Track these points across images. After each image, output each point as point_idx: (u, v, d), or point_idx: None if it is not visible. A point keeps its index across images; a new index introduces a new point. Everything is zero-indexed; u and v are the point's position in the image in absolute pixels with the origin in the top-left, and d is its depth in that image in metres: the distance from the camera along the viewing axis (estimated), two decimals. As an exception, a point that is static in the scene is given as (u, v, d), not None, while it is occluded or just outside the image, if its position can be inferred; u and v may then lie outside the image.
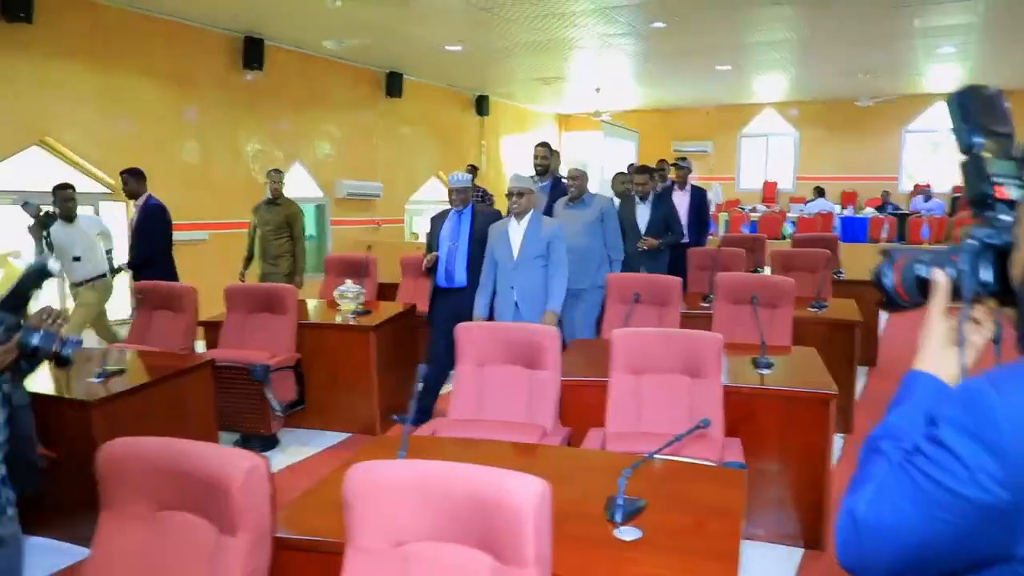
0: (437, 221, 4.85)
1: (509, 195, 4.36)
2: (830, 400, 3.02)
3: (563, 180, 6.06)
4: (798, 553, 3.21)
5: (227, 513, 1.62)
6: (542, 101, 14.32)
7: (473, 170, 9.35)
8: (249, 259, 6.74)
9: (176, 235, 8.01)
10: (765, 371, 3.36)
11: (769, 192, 14.60)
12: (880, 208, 12.86)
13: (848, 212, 13.06)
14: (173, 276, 6.06)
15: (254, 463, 1.65)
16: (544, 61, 10.42)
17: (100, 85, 7.36)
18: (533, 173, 5.89)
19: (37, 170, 7.14)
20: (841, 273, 6.74)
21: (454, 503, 1.52)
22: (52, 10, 6.75)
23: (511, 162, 13.84)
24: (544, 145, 5.92)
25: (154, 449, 1.76)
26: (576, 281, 4.84)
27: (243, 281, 6.52)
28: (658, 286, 4.48)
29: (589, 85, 12.39)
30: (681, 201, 6.67)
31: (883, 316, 7.07)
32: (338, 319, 5.04)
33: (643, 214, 5.84)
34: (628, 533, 1.86)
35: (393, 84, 10.87)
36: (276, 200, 6.58)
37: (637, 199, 5.86)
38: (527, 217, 4.28)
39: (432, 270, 4.74)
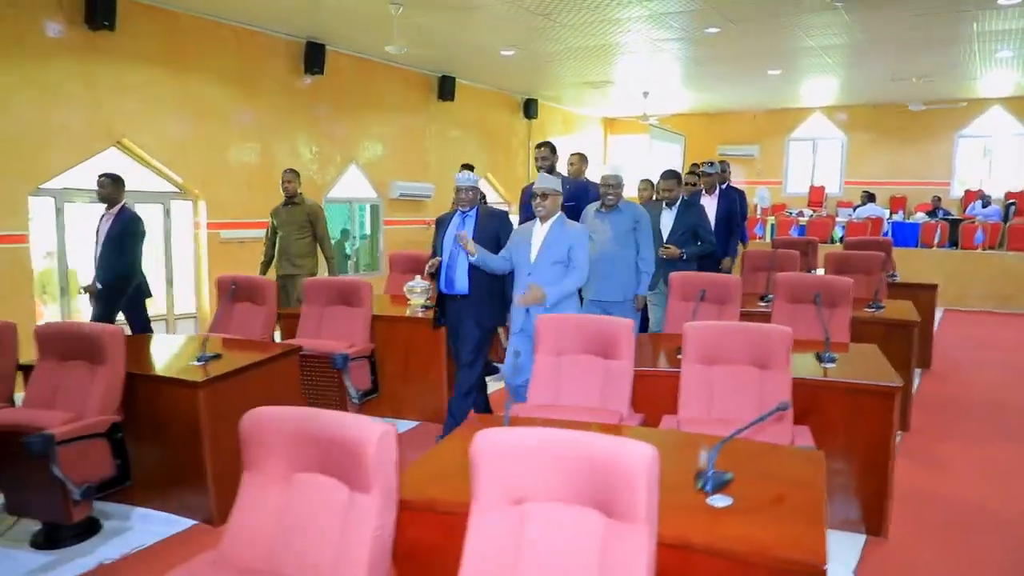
0: (442, 223, 4.66)
1: (533, 197, 4.24)
2: (895, 393, 3.13)
3: (584, 185, 6.08)
4: (860, 539, 3.33)
5: (361, 474, 1.77)
6: (589, 104, 14.47)
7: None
8: (268, 262, 6.73)
9: (241, 233, 8.43)
10: (829, 365, 3.48)
11: (816, 196, 14.54)
12: (931, 214, 12.73)
13: (898, 217, 12.95)
14: (142, 300, 5.87)
15: (386, 429, 1.79)
16: (593, 65, 10.58)
17: (173, 89, 7.71)
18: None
19: (116, 170, 7.52)
20: (895, 276, 6.77)
21: (571, 464, 1.64)
22: (132, 18, 7.12)
23: (558, 165, 13.99)
24: (545, 145, 5.66)
25: (294, 416, 1.93)
26: (605, 293, 4.80)
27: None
28: (718, 285, 4.60)
29: (637, 89, 12.50)
30: (708, 208, 6.27)
31: (938, 319, 7.09)
32: (407, 312, 5.26)
33: (667, 221, 5.57)
34: (720, 500, 2.00)
35: (445, 87, 11.12)
36: (293, 200, 6.57)
37: (664, 205, 5.61)
38: (551, 221, 4.12)
39: (437, 275, 4.59)
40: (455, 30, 8.41)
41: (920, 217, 12.60)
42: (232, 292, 5.04)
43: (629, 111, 14.80)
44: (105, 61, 7.07)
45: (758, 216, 12.84)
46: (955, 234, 11.59)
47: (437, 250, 4.56)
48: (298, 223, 6.51)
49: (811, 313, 4.22)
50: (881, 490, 3.21)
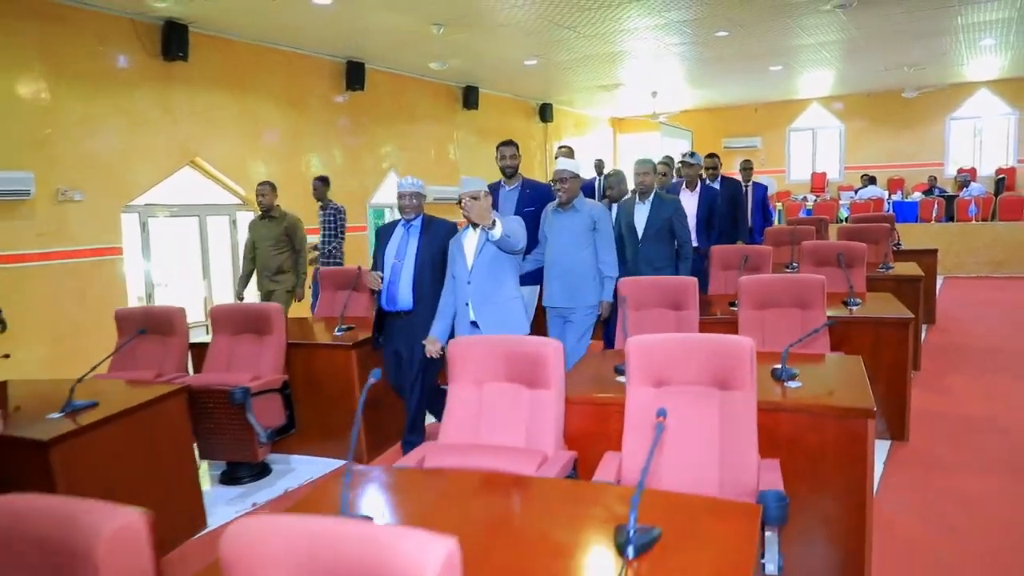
0: (383, 234, 4.27)
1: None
2: (909, 323, 3.97)
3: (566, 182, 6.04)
4: (887, 444, 4.12)
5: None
6: (599, 106, 15.29)
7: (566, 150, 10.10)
8: (247, 277, 6.56)
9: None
10: (855, 307, 4.32)
11: (818, 182, 15.35)
12: (927, 192, 13.55)
13: (897, 197, 13.77)
14: None
15: (127, 519, 1.41)
16: (606, 70, 11.39)
17: (237, 110, 8.52)
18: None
19: (189, 187, 8.33)
20: (900, 244, 7.59)
21: (341, 573, 1.27)
22: (202, 49, 7.92)
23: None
24: (509, 144, 5.15)
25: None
26: (561, 299, 4.41)
27: (241, 300, 6.45)
28: (755, 256, 5.39)
29: (645, 89, 13.31)
30: (688, 203, 5.82)
31: (939, 285, 7.91)
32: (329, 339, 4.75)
33: (641, 216, 5.03)
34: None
35: (470, 97, 11.94)
36: (270, 213, 6.35)
37: (636, 197, 5.09)
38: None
39: (376, 291, 4.22)
40: (485, 44, 9.22)
41: (918, 196, 13.41)
42: (141, 331, 4.46)
43: (637, 110, 15.62)
44: (179, 88, 7.87)
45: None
46: (951, 209, 12.43)
47: (378, 264, 4.18)
48: (274, 237, 6.32)
49: (833, 273, 5.01)
50: (901, 403, 4.01)
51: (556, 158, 6.19)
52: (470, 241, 3.82)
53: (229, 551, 1.33)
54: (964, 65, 12.30)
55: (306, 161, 9.44)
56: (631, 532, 1.68)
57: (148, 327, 4.50)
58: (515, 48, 9.55)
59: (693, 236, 5.65)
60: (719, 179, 6.69)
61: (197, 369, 4.87)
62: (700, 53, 10.41)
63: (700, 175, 6.33)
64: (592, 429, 2.91)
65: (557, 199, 4.47)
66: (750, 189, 7.65)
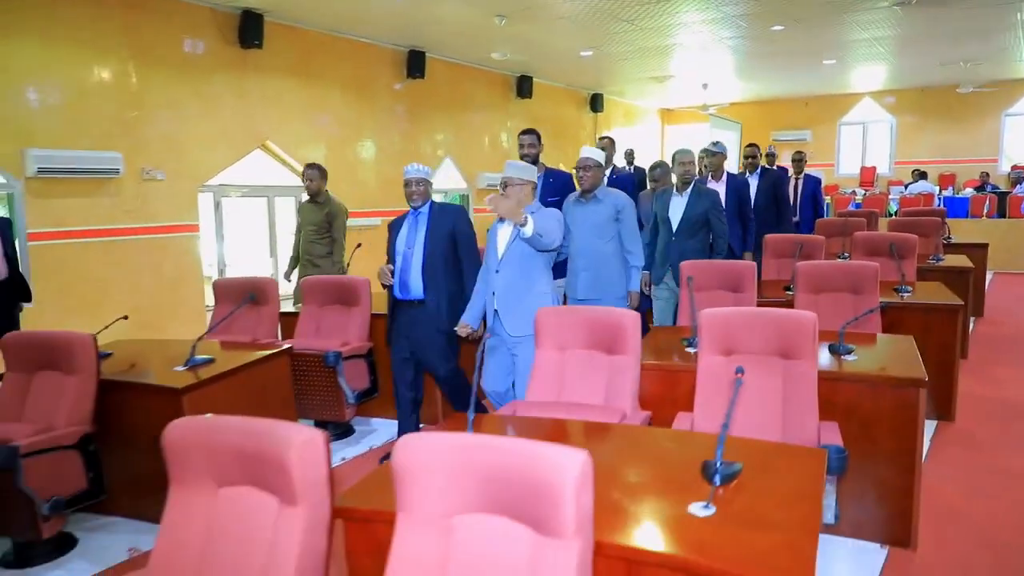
0: (393, 227, 4.23)
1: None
2: (959, 309, 4.18)
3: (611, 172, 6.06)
4: (933, 424, 4.33)
5: (286, 484, 1.66)
6: (648, 97, 15.44)
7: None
8: (296, 259, 6.55)
9: (357, 222, 9.61)
10: (906, 294, 4.52)
11: (867, 176, 15.32)
12: (979, 188, 13.46)
13: (947, 193, 13.71)
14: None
15: (309, 435, 1.68)
16: (659, 62, 11.56)
17: (305, 96, 8.92)
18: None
19: (259, 168, 8.77)
20: (951, 238, 7.69)
21: (494, 475, 1.52)
22: (276, 37, 8.32)
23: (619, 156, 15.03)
24: (529, 132, 5.01)
25: (212, 427, 1.81)
26: (585, 290, 4.37)
27: (288, 280, 6.53)
28: (808, 245, 5.59)
29: (695, 81, 13.44)
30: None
31: (988, 279, 7.99)
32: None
33: (677, 208, 4.96)
34: (702, 511, 1.83)
35: (523, 86, 12.22)
36: (316, 198, 6.31)
37: (673, 189, 5.05)
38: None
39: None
40: (544, 35, 9.48)
41: (969, 192, 13.34)
42: (251, 297, 4.83)
43: (686, 102, 15.73)
44: (253, 75, 8.29)
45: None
46: (1003, 205, 12.35)
47: (390, 255, 4.17)
48: (316, 223, 6.28)
49: (885, 263, 5.19)
50: (949, 385, 4.23)
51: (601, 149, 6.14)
52: (504, 231, 3.77)
53: (402, 458, 1.58)
54: (1022, 61, 12.20)
55: (367, 146, 9.82)
56: (718, 464, 1.95)
57: (246, 296, 4.85)
58: (572, 39, 9.79)
59: None
60: (759, 170, 6.69)
61: (285, 336, 5.23)
62: (753, 47, 10.53)
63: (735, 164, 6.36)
64: (664, 394, 3.17)
65: (579, 187, 4.42)
66: (801, 181, 7.77)
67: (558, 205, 4.60)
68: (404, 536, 1.58)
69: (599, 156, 4.37)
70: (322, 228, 6.28)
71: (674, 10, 8.34)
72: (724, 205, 5.46)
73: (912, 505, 2.84)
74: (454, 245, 4.01)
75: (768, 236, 5.84)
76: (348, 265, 6.54)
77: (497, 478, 1.52)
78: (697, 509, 1.82)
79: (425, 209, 4.07)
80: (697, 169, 4.90)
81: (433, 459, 1.57)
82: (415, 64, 10.13)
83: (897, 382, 2.84)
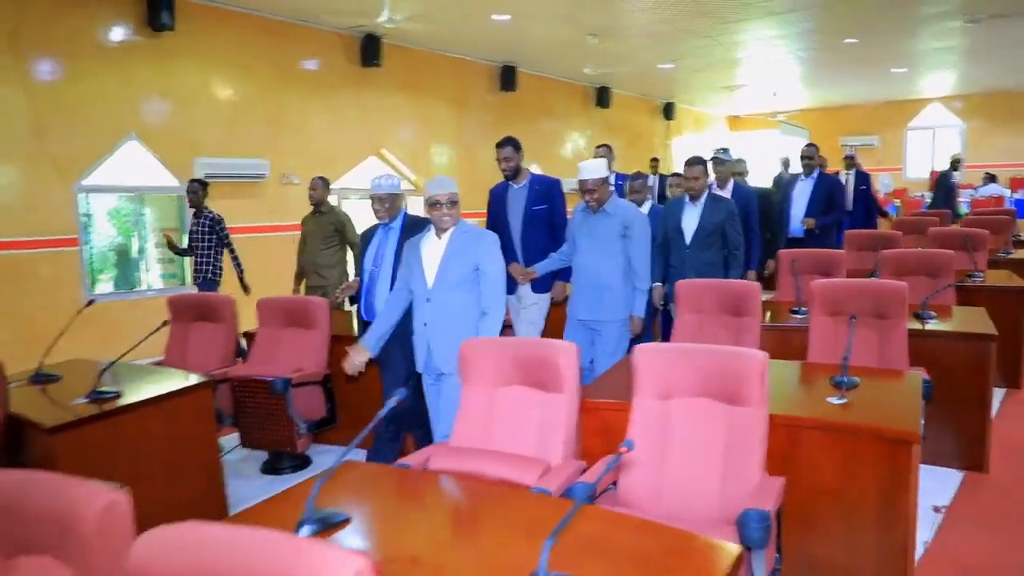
0: (364, 240, 3.89)
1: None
2: (1024, 290, 4.83)
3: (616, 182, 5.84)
4: (1002, 391, 4.98)
5: (83, 555, 1.48)
6: (717, 104, 16.10)
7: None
8: (301, 273, 6.46)
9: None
10: (978, 279, 5.20)
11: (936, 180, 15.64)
12: (1050, 192, 13.75)
13: (1018, 195, 14.02)
14: None
15: (111, 498, 1.47)
16: (732, 72, 12.25)
17: (414, 109, 9.93)
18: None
19: (373, 174, 9.78)
20: (1020, 236, 8.24)
21: None
22: (392, 57, 9.33)
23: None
24: (504, 144, 4.58)
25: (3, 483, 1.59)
26: (587, 311, 4.08)
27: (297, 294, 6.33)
28: (890, 240, 6.23)
29: (765, 90, 14.06)
30: None
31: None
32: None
33: (691, 219, 4.67)
34: None
35: (603, 97, 13.04)
36: (320, 208, 6.24)
37: (687, 199, 4.72)
38: (448, 231, 3.32)
39: (356, 299, 3.96)
40: (629, 51, 10.30)
41: (1039, 194, 13.65)
42: (164, 323, 4.27)
43: (754, 109, 16.33)
44: (372, 90, 9.32)
45: (883, 197, 14.15)
46: (1074, 209, 12.64)
47: (361, 270, 3.90)
48: (323, 233, 6.20)
49: (959, 256, 5.84)
50: (1017, 356, 4.88)
51: (597, 156, 6.12)
52: (432, 248, 3.31)
53: (137, 559, 1.28)
54: (1093, 66, 12.49)
55: (466, 152, 10.78)
56: None
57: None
58: (654, 54, 10.58)
59: None
60: (815, 173, 6.54)
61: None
62: (824, 57, 11.15)
63: (738, 172, 5.98)
64: (616, 436, 2.69)
65: (590, 207, 4.08)
66: (851, 178, 8.30)
67: (547, 214, 4.52)
68: None
69: (600, 171, 4.01)
70: (329, 238, 6.21)
71: (752, 27, 9.05)
72: None
73: (985, 436, 3.55)
74: None
75: (848, 233, 6.49)
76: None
77: None
78: None
79: (396, 225, 3.71)
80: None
81: (174, 562, 1.27)
82: (507, 78, 11.06)
83: (973, 336, 3.57)
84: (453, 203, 3.25)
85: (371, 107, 9.36)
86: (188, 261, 7.52)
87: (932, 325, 3.82)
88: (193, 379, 3.55)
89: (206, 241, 6.41)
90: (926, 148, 16.24)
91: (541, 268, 4.32)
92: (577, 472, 2.49)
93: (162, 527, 1.31)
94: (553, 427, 2.61)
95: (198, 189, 6.43)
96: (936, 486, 3.55)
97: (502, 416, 2.72)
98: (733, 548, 1.71)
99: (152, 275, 8.22)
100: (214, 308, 4.62)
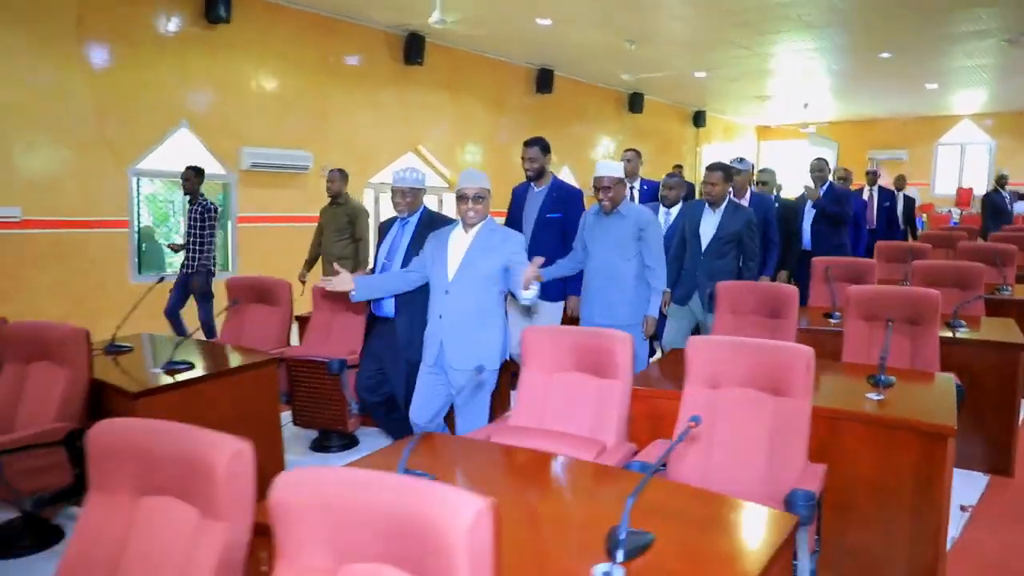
0: (382, 231, 3.88)
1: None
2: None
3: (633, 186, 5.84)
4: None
5: (210, 497, 1.60)
6: (747, 114, 16.21)
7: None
8: (312, 261, 6.55)
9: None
10: (1005, 293, 5.32)
11: (964, 197, 15.67)
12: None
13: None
14: None
15: (239, 448, 1.60)
16: (764, 83, 12.38)
17: (452, 108, 10.16)
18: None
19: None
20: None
21: (382, 520, 1.35)
22: (435, 55, 9.55)
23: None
24: (532, 144, 4.56)
25: (141, 430, 1.75)
26: (600, 315, 4.03)
27: (303, 283, 6.30)
28: (916, 251, 6.38)
29: (796, 101, 14.16)
30: None
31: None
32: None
33: (709, 225, 4.58)
34: (612, 573, 1.60)
35: (635, 103, 13.22)
36: (337, 200, 6.34)
37: (706, 204, 4.61)
38: (477, 226, 3.31)
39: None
40: (665, 58, 10.47)
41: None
42: (234, 302, 4.74)
43: (784, 119, 16.43)
44: (413, 88, 9.55)
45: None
46: (1103, 229, 12.65)
47: (377, 262, 3.87)
48: (338, 224, 6.30)
49: (988, 270, 5.97)
50: None
51: (627, 161, 6.16)
52: (458, 242, 3.29)
53: (280, 496, 1.39)
54: None
55: (499, 152, 10.99)
56: (621, 535, 1.63)
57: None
58: (689, 62, 10.74)
59: None
60: (825, 186, 6.51)
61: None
62: (858, 71, 11.25)
63: (752, 181, 5.87)
64: (664, 422, 2.86)
65: (601, 207, 4.06)
66: (875, 193, 8.54)
67: (560, 223, 4.47)
68: None
69: (617, 170, 4.03)
70: (343, 229, 6.31)
71: (788, 38, 9.19)
72: None
73: (1012, 440, 3.70)
74: None
75: (879, 244, 6.64)
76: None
77: (387, 523, 1.33)
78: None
79: (413, 220, 3.71)
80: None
81: (315, 498, 1.39)
82: (544, 81, 11.26)
83: (1002, 345, 3.73)
84: (480, 198, 3.22)
85: (411, 104, 9.59)
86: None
87: (962, 334, 3.97)
88: (260, 356, 3.77)
89: (198, 229, 6.30)
90: (954, 164, 16.26)
91: (547, 274, 4.11)
92: (630, 453, 2.64)
93: (297, 469, 1.43)
94: (607, 411, 2.76)
95: (191, 176, 6.33)
96: (963, 487, 3.68)
97: (559, 399, 2.87)
98: (791, 516, 1.91)
99: (177, 258, 8.46)
100: (271, 291, 4.81)
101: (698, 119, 15.19)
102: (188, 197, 6.43)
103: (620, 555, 1.60)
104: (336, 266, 3.44)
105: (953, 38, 9.07)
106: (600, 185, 3.98)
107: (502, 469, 2.40)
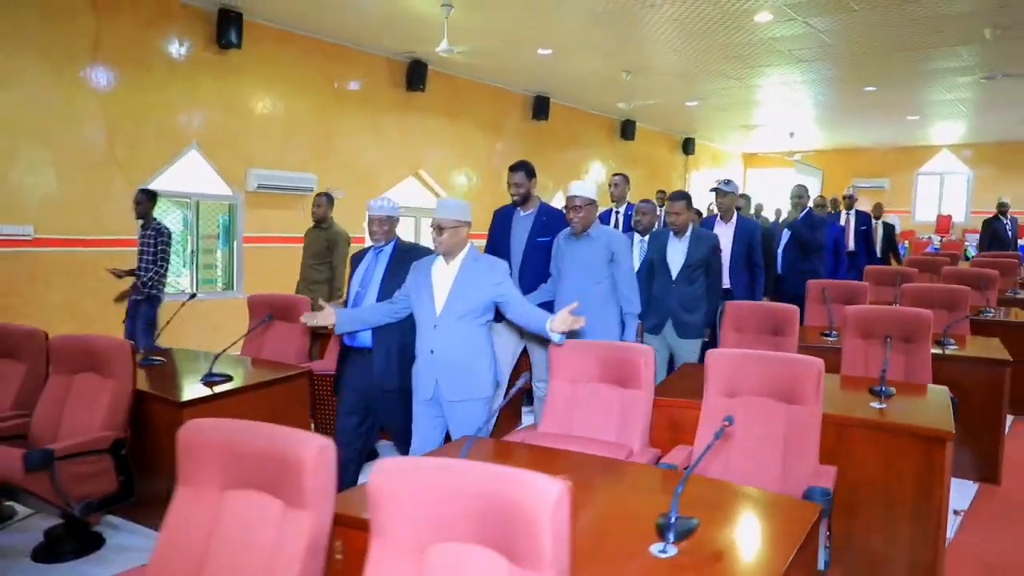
0: (355, 261, 3.85)
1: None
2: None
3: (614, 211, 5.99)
4: None
5: (297, 489, 1.71)
6: (734, 142, 16.64)
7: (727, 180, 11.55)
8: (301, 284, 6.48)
9: (479, 243, 11.01)
10: (988, 315, 5.60)
11: (944, 224, 16.14)
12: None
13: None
14: None
15: (324, 443, 1.73)
16: (752, 112, 12.77)
17: (451, 133, 10.42)
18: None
19: (410, 193, 10.24)
20: (1025, 278, 8.68)
21: (471, 501, 1.49)
22: (436, 82, 9.82)
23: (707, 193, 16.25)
24: (517, 169, 4.48)
25: (230, 429, 1.87)
26: (577, 338, 3.92)
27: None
28: (905, 275, 6.67)
29: (782, 130, 14.59)
30: (724, 237, 5.33)
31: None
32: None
33: (676, 253, 4.60)
34: (667, 550, 1.81)
35: (627, 130, 13.56)
36: (321, 224, 6.32)
37: (671, 233, 4.62)
38: (459, 256, 3.27)
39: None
40: (658, 87, 10.81)
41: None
42: (268, 318, 4.66)
43: (770, 147, 16.87)
44: (414, 114, 9.81)
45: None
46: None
47: (350, 292, 3.84)
48: (316, 249, 6.28)
49: (973, 293, 6.26)
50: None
51: (615, 185, 6.31)
52: (441, 274, 3.25)
53: (378, 481, 1.55)
54: (1099, 122, 13.03)
55: (496, 176, 11.23)
56: (672, 518, 1.86)
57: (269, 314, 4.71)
58: (682, 91, 11.09)
59: (725, 276, 5.22)
60: (804, 212, 6.63)
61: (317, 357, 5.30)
62: (843, 102, 11.66)
63: (738, 206, 5.80)
64: (683, 430, 3.14)
65: (571, 228, 4.07)
66: (851, 217, 8.79)
67: (547, 246, 4.39)
68: (377, 563, 1.57)
69: (590, 192, 4.04)
70: (321, 254, 6.23)
71: (778, 71, 9.56)
72: (732, 250, 5.31)
73: (999, 450, 3.93)
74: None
75: (868, 268, 6.92)
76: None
77: (475, 504, 1.47)
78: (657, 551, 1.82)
79: (387, 248, 3.70)
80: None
81: (409, 484, 1.55)
82: (540, 107, 11.57)
83: (988, 361, 3.99)
84: (441, 229, 3.16)
85: (412, 129, 9.84)
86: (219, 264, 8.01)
87: (952, 351, 4.22)
88: (293, 370, 4.00)
89: (150, 255, 5.99)
90: (934, 192, 16.76)
91: (532, 301, 3.95)
92: (655, 458, 2.87)
93: (388, 458, 1.61)
94: (632, 419, 2.99)
95: (143, 199, 6.04)
96: (955, 493, 3.87)
97: (585, 409, 3.10)
98: (816, 506, 2.13)
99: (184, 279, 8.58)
100: (291, 308, 4.97)
101: (687, 146, 15.57)
102: (141, 221, 6.12)
103: (672, 535, 1.82)
104: (321, 301, 3.54)
105: (935, 74, 9.48)
106: (571, 204, 3.99)
107: (547, 468, 2.52)
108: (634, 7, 7.15)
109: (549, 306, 4.33)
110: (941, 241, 14.57)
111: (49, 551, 3.41)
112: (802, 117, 13.22)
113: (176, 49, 7.47)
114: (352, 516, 2.01)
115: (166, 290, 6.21)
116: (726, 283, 5.21)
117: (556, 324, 3.02)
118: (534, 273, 4.35)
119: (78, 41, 6.75)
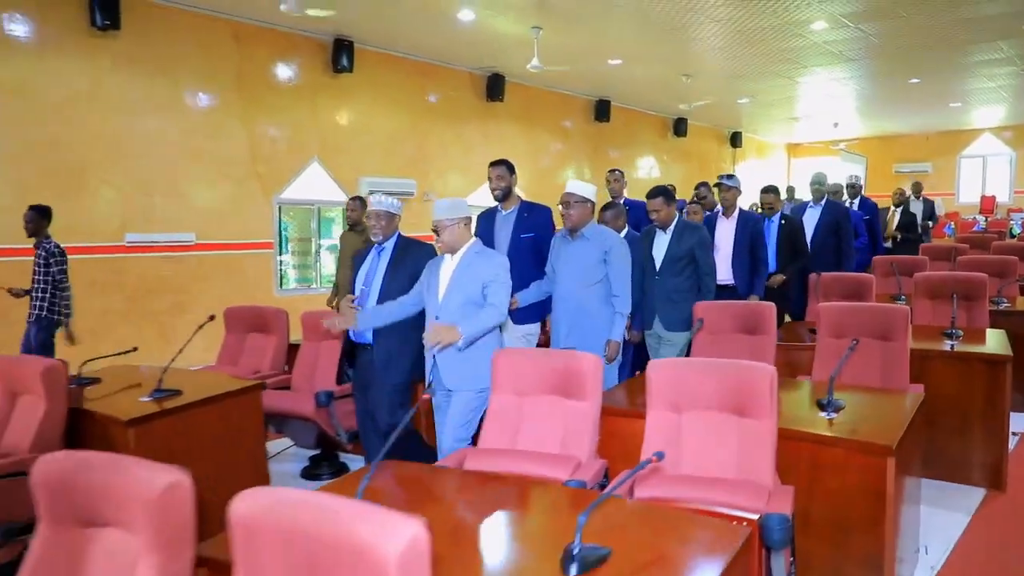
0: (357, 260, 3.93)
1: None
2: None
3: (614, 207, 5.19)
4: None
5: (148, 527, 1.60)
6: (779, 133, 17.39)
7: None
8: (338, 287, 6.69)
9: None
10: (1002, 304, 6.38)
11: (987, 204, 16.69)
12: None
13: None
14: None
15: (176, 478, 1.61)
16: (799, 106, 13.56)
17: (525, 138, 11.45)
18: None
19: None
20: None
21: (318, 540, 1.37)
22: (512, 92, 10.84)
23: (756, 184, 17.02)
24: (498, 164, 4.50)
25: (75, 464, 1.73)
26: (572, 341, 3.96)
27: (333, 309, 6.24)
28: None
29: (826, 121, 15.32)
30: (724, 231, 5.37)
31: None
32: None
33: (660, 244, 4.60)
34: None
35: (680, 127, 14.45)
36: (356, 227, 6.43)
37: (656, 228, 4.63)
38: (463, 251, 3.38)
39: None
40: (714, 88, 11.67)
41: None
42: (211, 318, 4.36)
43: (814, 137, 17.59)
44: (494, 122, 10.85)
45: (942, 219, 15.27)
46: (1121, 231, 13.67)
47: (345, 288, 3.89)
48: (356, 250, 6.27)
49: (1020, 263, 7.03)
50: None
51: (614, 180, 6.31)
52: (446, 268, 3.39)
53: (239, 511, 1.47)
54: None
55: (564, 176, 12.22)
56: (575, 549, 1.74)
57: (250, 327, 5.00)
58: (735, 90, 11.95)
59: (727, 270, 5.24)
60: (823, 201, 6.50)
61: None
62: (888, 94, 12.41)
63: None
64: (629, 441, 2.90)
65: (564, 225, 4.07)
66: (856, 205, 8.21)
67: (534, 243, 4.39)
68: None
69: (586, 190, 4.04)
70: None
71: (827, 70, 10.38)
72: (733, 244, 5.28)
73: (1003, 456, 3.83)
74: (413, 284, 3.57)
75: (876, 259, 7.16)
76: None
77: (321, 544, 1.36)
78: None
79: (389, 245, 3.75)
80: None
81: (266, 517, 1.46)
82: (602, 110, 12.52)
83: (990, 358, 3.85)
84: (435, 230, 3.34)
85: (492, 135, 10.87)
86: (292, 268, 8.90)
87: (1005, 307, 5.06)
88: (245, 382, 3.87)
89: (41, 275, 5.50)
90: (977, 174, 17.33)
91: (523, 298, 4.14)
92: (602, 469, 2.75)
93: (255, 488, 1.51)
94: (579, 429, 2.82)
95: (33, 216, 5.48)
96: (957, 503, 3.83)
97: (530, 421, 2.93)
98: (744, 524, 2.00)
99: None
100: (267, 320, 5.04)
101: (735, 140, 16.39)
102: (33, 240, 5.56)
103: (574, 569, 1.71)
104: (338, 316, 3.54)
105: (977, 65, 10.23)
106: (563, 200, 4.02)
107: (462, 496, 2.46)
108: (699, 19, 8.06)
109: (543, 305, 4.35)
110: (987, 221, 15.17)
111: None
112: (846, 108, 13.94)
113: (300, 75, 8.57)
114: (217, 559, 1.87)
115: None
116: (728, 278, 5.22)
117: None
118: (521, 270, 4.17)
119: (224, 70, 7.87)
